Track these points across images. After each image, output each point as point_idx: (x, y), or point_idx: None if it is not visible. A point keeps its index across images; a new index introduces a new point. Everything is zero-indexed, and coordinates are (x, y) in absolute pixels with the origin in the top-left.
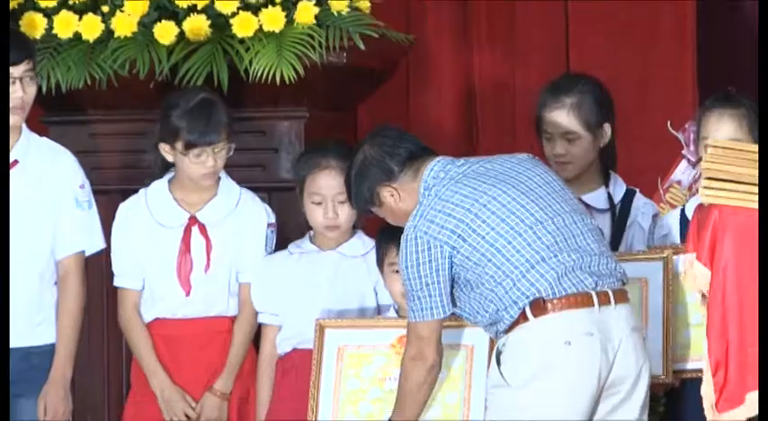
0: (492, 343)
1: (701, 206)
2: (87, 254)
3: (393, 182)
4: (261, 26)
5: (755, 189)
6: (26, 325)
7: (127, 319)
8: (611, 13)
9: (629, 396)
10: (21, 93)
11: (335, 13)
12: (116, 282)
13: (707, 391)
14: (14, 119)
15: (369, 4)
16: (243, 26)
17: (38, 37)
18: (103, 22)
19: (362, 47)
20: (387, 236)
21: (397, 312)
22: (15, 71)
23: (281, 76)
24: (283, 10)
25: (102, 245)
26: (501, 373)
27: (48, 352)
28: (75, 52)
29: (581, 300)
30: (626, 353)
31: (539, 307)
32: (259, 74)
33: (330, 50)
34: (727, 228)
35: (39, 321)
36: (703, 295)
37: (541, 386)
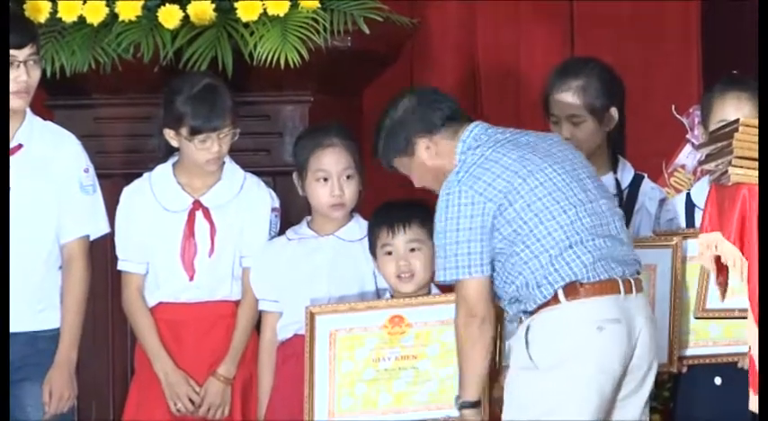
0: None
1: (718, 186)
2: (92, 238)
3: (433, 135)
4: (265, 10)
5: None
6: (31, 309)
7: (130, 304)
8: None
9: (642, 384)
10: (25, 76)
11: None
12: (120, 266)
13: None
14: (18, 103)
15: None
16: (247, 10)
17: (42, 21)
18: (108, 5)
19: (367, 31)
20: (378, 219)
21: (392, 296)
22: (19, 55)
23: (286, 59)
24: None
25: (106, 229)
26: (529, 355)
27: (53, 336)
28: (80, 36)
29: (610, 286)
30: (644, 343)
31: (572, 290)
32: (263, 58)
33: (334, 34)
34: (756, 206)
35: (44, 306)
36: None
37: (570, 370)
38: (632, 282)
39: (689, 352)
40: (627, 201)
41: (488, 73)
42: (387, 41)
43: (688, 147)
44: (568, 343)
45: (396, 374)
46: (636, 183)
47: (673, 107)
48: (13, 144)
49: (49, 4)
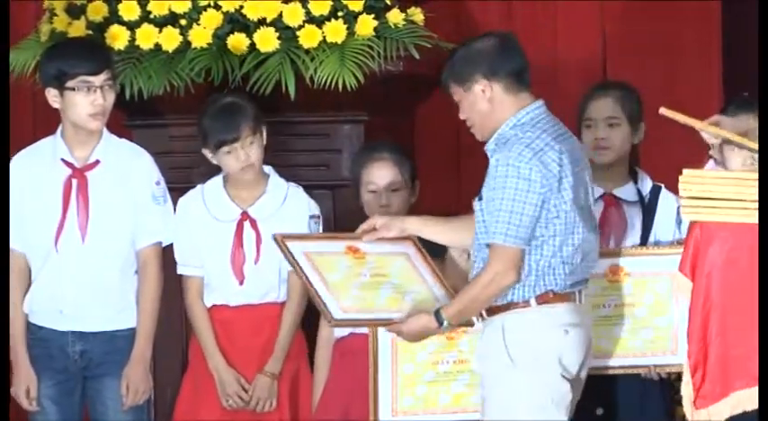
0: None
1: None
2: (164, 244)
3: (492, 82)
4: (325, 38)
5: (734, 204)
6: (110, 311)
7: (190, 305)
8: (643, 29)
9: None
10: (101, 100)
11: (393, 26)
12: (179, 270)
13: (686, 391)
14: (96, 124)
15: (423, 17)
16: (308, 38)
17: (122, 48)
18: (181, 34)
19: (417, 56)
20: None
21: None
22: (96, 80)
23: (344, 83)
24: (345, 23)
25: None
26: (509, 355)
27: (130, 335)
28: (156, 62)
29: (572, 295)
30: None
31: (544, 297)
32: (323, 81)
33: (387, 60)
34: (711, 241)
35: (121, 307)
36: None
37: (548, 368)
38: (582, 293)
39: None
40: (646, 210)
41: None
42: (435, 66)
43: (711, 163)
44: (544, 343)
45: (454, 376)
46: (654, 193)
47: None
48: (91, 160)
49: (128, 33)
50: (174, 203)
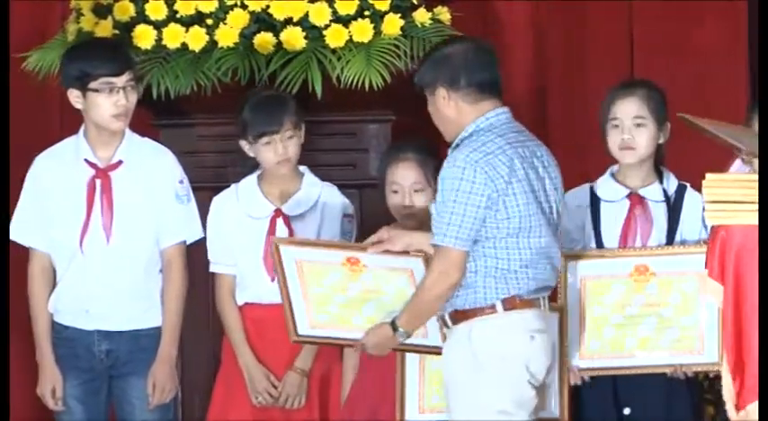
0: None
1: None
2: (188, 243)
3: (452, 90)
4: (351, 37)
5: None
6: (135, 310)
7: (221, 302)
8: (672, 29)
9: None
10: (124, 101)
11: (419, 25)
12: (212, 268)
13: (728, 394)
14: (118, 124)
15: (449, 17)
16: (335, 37)
17: (148, 47)
18: (208, 33)
19: None
20: None
21: None
22: (118, 81)
23: (370, 82)
24: (372, 22)
25: (201, 234)
26: (477, 360)
27: (155, 334)
28: (183, 61)
29: (537, 301)
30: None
31: (510, 301)
32: (350, 81)
33: (414, 59)
34: (737, 243)
35: (146, 306)
36: None
37: (515, 371)
38: (546, 299)
39: None
40: (672, 209)
41: (554, 93)
42: None
43: (738, 162)
44: (511, 349)
45: None
46: (680, 192)
47: None
48: (114, 160)
49: (155, 32)
50: (200, 203)
